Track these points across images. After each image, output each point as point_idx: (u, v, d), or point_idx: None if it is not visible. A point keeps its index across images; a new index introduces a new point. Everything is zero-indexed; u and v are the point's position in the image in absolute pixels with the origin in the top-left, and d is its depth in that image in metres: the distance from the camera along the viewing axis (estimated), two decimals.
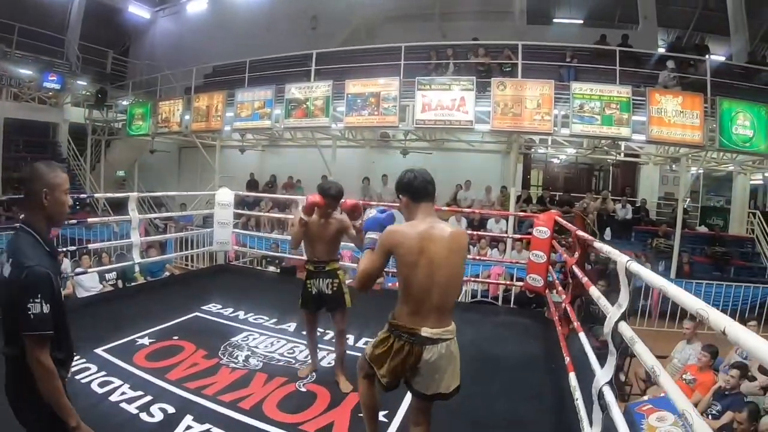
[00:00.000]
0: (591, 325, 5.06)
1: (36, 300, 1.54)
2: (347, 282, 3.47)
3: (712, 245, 10.27)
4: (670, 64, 9.42)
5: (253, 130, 11.36)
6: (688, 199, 10.97)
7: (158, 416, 2.85)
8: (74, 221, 6.11)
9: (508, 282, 7.00)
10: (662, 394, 4.31)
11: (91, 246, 6.47)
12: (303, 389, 3.28)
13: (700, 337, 5.35)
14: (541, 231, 5.23)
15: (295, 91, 10.07)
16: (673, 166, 11.58)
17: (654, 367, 1.79)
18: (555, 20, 14.65)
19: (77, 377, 3.32)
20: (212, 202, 7.30)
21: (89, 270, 6.23)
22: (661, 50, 12.40)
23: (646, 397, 4.43)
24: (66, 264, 6.51)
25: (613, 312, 2.33)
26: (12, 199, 9.82)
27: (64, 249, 6.18)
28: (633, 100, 8.39)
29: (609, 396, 2.28)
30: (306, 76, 10.56)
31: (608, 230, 10.26)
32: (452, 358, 2.09)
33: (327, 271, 3.38)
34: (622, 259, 2.30)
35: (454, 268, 2.07)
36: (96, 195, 12.03)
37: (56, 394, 1.60)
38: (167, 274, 7.58)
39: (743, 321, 6.00)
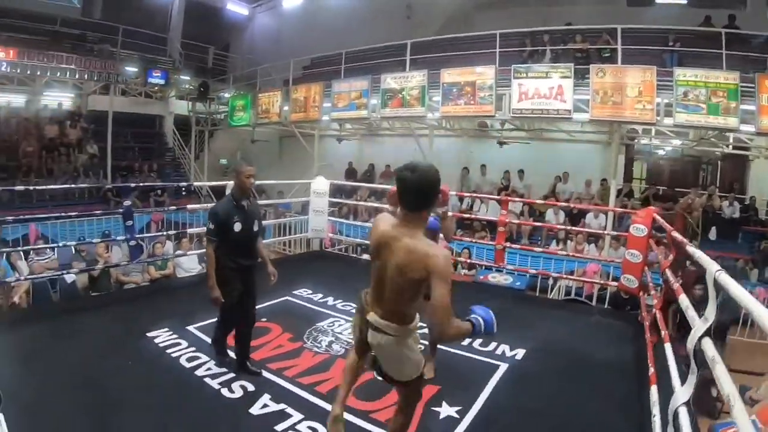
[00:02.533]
0: (686, 334, 4.77)
1: (209, 222, 3.26)
2: None
3: None
4: None
5: (350, 120, 11.76)
6: None
7: (238, 393, 3.09)
8: (173, 207, 6.95)
9: (603, 282, 6.59)
10: (752, 417, 3.84)
11: (190, 231, 6.72)
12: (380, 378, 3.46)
13: None
14: (639, 228, 5.00)
15: (390, 81, 10.29)
16: None
17: (730, 396, 1.57)
18: (657, 1, 13.80)
19: (168, 351, 3.63)
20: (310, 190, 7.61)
21: (189, 252, 6.56)
22: None
23: None
24: (168, 246, 6.88)
25: (698, 326, 2.14)
26: (118, 187, 10.99)
27: (166, 232, 6.94)
28: (741, 87, 7.74)
29: (683, 418, 2.13)
30: (401, 66, 10.71)
31: (713, 229, 9.72)
32: (393, 353, 2.13)
33: None
34: (711, 268, 2.06)
35: (398, 283, 2.01)
36: (196, 183, 12.98)
37: (208, 264, 3.29)
38: None
39: None
